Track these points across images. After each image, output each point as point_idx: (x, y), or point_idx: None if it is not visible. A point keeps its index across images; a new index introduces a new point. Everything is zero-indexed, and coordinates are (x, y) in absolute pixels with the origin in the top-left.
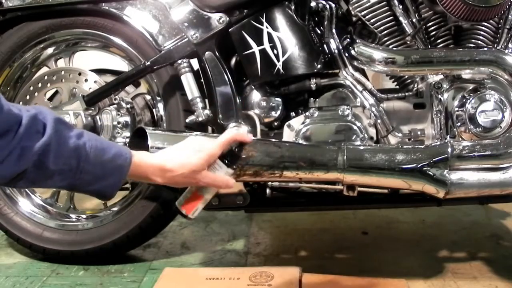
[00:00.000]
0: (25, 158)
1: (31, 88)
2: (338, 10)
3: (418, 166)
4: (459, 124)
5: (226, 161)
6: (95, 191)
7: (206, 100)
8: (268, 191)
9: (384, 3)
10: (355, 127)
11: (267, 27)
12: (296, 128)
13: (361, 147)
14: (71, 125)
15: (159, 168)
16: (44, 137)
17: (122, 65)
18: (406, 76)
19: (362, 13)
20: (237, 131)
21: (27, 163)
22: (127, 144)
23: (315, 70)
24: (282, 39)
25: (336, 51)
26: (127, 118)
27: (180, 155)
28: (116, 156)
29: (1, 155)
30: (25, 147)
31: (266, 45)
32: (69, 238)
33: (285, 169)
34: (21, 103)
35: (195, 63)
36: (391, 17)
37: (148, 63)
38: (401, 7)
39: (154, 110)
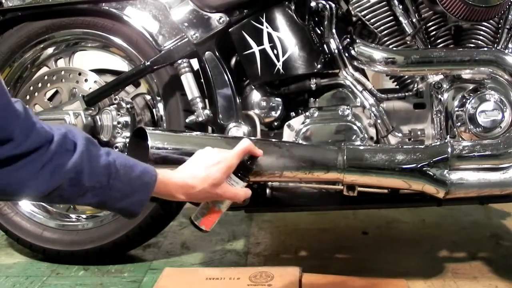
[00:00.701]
0: (58, 175)
1: (31, 88)
2: (338, 10)
3: (418, 166)
4: (459, 124)
5: (239, 174)
6: (123, 208)
7: (206, 100)
8: (268, 191)
9: (384, 3)
10: (355, 127)
11: (267, 27)
12: (296, 128)
13: (361, 147)
14: (98, 144)
15: (182, 186)
16: (76, 155)
17: (122, 65)
18: (406, 76)
19: (362, 13)
20: (250, 143)
21: (61, 179)
22: (127, 144)
23: (315, 70)
24: (282, 39)
25: (336, 51)
26: (127, 118)
27: (200, 170)
28: (143, 173)
29: (34, 169)
30: (58, 163)
31: (266, 45)
32: (69, 238)
33: (285, 169)
34: None
35: (195, 63)
36: (391, 17)
37: (148, 63)
38: (401, 7)
39: (154, 110)
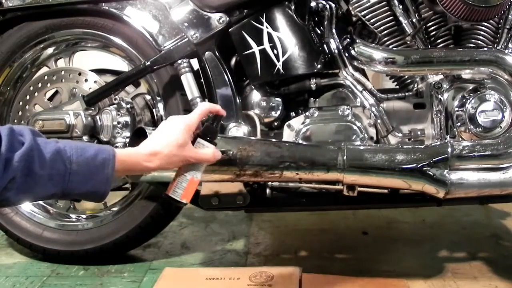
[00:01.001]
0: (10, 167)
1: (31, 88)
2: (338, 10)
3: (418, 166)
4: (459, 124)
5: (208, 138)
6: (88, 192)
7: (206, 100)
8: (268, 191)
9: (384, 3)
10: (355, 127)
11: (267, 27)
12: (296, 128)
13: (361, 147)
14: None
15: (148, 154)
16: (25, 145)
17: (122, 65)
18: (406, 76)
19: (362, 13)
20: (210, 104)
21: (13, 172)
22: (127, 144)
23: (315, 70)
24: (282, 39)
25: (336, 51)
26: (127, 118)
27: (161, 135)
28: (99, 152)
29: None
30: (7, 157)
31: (266, 45)
32: (69, 238)
33: (285, 169)
34: (21, 103)
35: (195, 63)
36: (391, 17)
37: (148, 63)
38: (401, 7)
39: (154, 110)
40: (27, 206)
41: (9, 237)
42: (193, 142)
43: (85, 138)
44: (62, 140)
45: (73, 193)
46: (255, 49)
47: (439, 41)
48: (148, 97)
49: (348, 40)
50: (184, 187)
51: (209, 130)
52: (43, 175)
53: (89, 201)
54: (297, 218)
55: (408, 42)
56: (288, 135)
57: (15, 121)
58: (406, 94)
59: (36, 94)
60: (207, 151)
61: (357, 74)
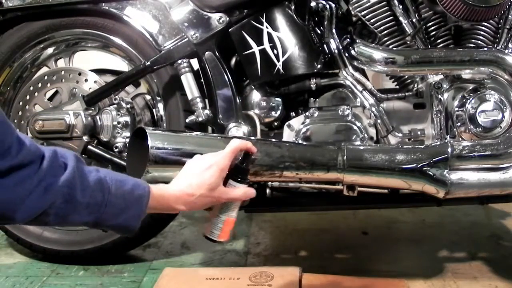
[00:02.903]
0: (52, 191)
1: (31, 88)
2: (338, 10)
3: (418, 166)
4: (459, 124)
5: (239, 179)
6: (119, 225)
7: (206, 100)
8: (268, 191)
9: (384, 3)
10: (355, 127)
11: (267, 27)
12: (296, 128)
13: (361, 147)
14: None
15: (180, 196)
16: (68, 170)
17: (122, 65)
18: (406, 76)
19: (362, 13)
20: (241, 141)
21: (55, 196)
22: (127, 144)
23: (315, 70)
24: (282, 39)
25: (336, 51)
26: (127, 118)
27: (193, 177)
28: (135, 187)
29: (28, 186)
30: (50, 180)
31: (266, 45)
32: (69, 238)
33: (285, 169)
34: (21, 103)
35: (195, 63)
36: (391, 17)
37: (148, 63)
38: (401, 7)
39: (154, 110)
40: None
41: (9, 237)
42: (224, 182)
43: (85, 138)
44: (102, 169)
45: (104, 224)
46: (255, 49)
47: (439, 41)
48: (148, 97)
49: (348, 40)
50: (220, 228)
51: (239, 170)
52: (82, 203)
53: (118, 233)
54: (297, 218)
55: (408, 42)
56: (288, 135)
57: (15, 121)
58: (406, 94)
59: (36, 94)
60: (238, 191)
61: (357, 74)
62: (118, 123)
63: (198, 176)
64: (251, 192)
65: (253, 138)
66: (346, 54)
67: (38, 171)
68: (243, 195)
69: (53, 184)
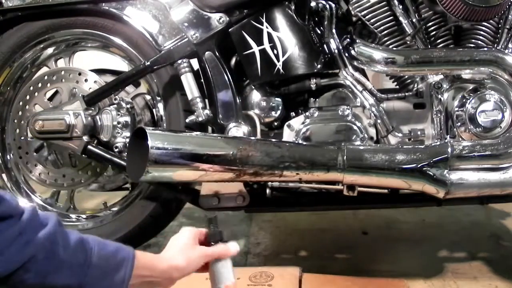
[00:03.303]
0: (32, 244)
1: (31, 88)
2: (338, 10)
3: (418, 166)
4: (459, 124)
5: (220, 241)
6: None
7: (206, 100)
8: (268, 191)
9: (384, 3)
10: (355, 127)
11: (267, 27)
12: (296, 128)
13: (361, 147)
14: None
15: (166, 268)
16: (49, 226)
17: (122, 65)
18: (406, 76)
19: (362, 13)
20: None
21: (36, 249)
22: (127, 144)
23: (315, 70)
24: (282, 39)
25: (336, 51)
26: (127, 118)
27: (168, 249)
28: (119, 249)
29: (8, 237)
30: (31, 235)
31: (266, 45)
32: None
33: (285, 169)
34: (21, 103)
35: (195, 63)
36: (391, 17)
37: (148, 63)
38: (401, 7)
39: (154, 110)
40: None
41: None
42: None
43: (85, 138)
44: (84, 234)
45: None
46: (255, 49)
47: (439, 41)
48: (148, 97)
49: (348, 40)
50: None
51: (212, 234)
52: (64, 261)
53: None
54: (297, 218)
55: (408, 42)
56: (288, 135)
57: (15, 121)
58: (406, 94)
59: (36, 94)
60: (218, 247)
61: (357, 74)
62: (118, 123)
63: (174, 245)
64: (235, 248)
65: (253, 138)
66: (346, 54)
67: (18, 223)
68: (223, 250)
69: (34, 237)
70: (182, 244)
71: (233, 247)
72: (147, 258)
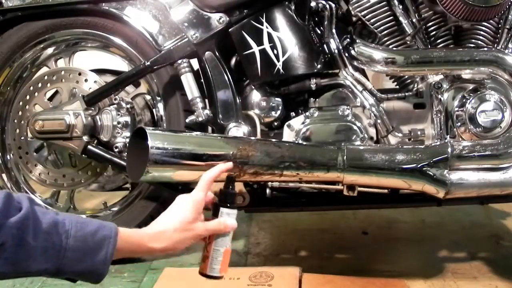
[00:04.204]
0: (0, 233)
1: (31, 88)
2: (338, 10)
3: (418, 166)
4: (459, 124)
5: (228, 205)
6: (84, 271)
7: (206, 100)
8: (268, 191)
9: (384, 3)
10: (355, 127)
11: (267, 27)
12: (296, 128)
13: (361, 147)
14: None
15: (154, 234)
16: (21, 213)
17: (122, 65)
18: (406, 76)
19: (362, 13)
20: (209, 171)
21: (3, 238)
22: (127, 144)
23: (315, 70)
24: (282, 39)
25: (336, 51)
26: (127, 118)
27: (168, 215)
28: (99, 228)
29: None
30: (2, 221)
31: (266, 45)
32: None
33: (285, 169)
34: (21, 103)
35: (195, 63)
36: (391, 17)
37: (148, 63)
38: (401, 7)
39: (154, 110)
40: None
41: None
42: (214, 211)
43: (85, 138)
44: (62, 213)
45: (68, 271)
46: (255, 49)
47: (439, 41)
48: (148, 97)
49: (348, 40)
50: (220, 261)
51: (225, 195)
52: (36, 247)
53: (85, 281)
54: (297, 218)
55: (408, 42)
56: (288, 135)
57: (15, 121)
58: (406, 94)
59: (36, 94)
60: (217, 223)
61: (357, 74)
62: (118, 123)
63: (171, 213)
64: (231, 223)
65: (253, 138)
66: (346, 54)
67: None
68: (221, 226)
69: (3, 225)
70: (180, 220)
71: (232, 225)
72: (131, 237)
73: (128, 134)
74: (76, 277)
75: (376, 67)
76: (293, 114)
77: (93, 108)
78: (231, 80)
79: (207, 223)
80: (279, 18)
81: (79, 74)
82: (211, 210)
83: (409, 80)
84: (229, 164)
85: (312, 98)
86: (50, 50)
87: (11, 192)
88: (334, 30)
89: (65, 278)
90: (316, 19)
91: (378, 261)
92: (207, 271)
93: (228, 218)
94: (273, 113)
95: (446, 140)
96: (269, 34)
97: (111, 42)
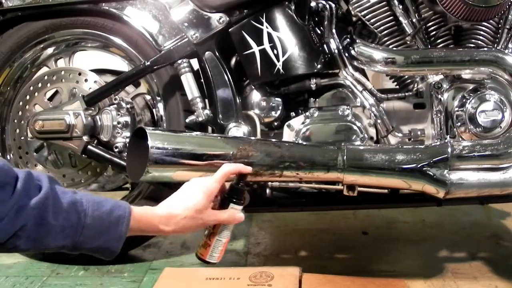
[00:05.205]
0: (23, 214)
1: (31, 88)
2: (338, 10)
3: (418, 166)
4: (459, 124)
5: (234, 200)
6: (99, 247)
7: (206, 100)
8: (268, 191)
9: (384, 3)
10: (355, 127)
11: (267, 27)
12: (296, 128)
13: (361, 147)
14: (61, 184)
15: (165, 216)
16: (41, 192)
17: (122, 65)
18: (406, 76)
19: (362, 13)
20: (230, 165)
21: (26, 219)
22: (127, 144)
23: (315, 70)
24: (282, 39)
25: (336, 51)
26: (127, 118)
27: (181, 198)
28: (114, 208)
29: (3, 208)
30: (24, 202)
31: (266, 45)
32: None
33: (285, 169)
34: (21, 103)
35: (195, 63)
36: (391, 17)
37: (148, 63)
38: (401, 7)
39: (154, 110)
40: None
41: None
42: (222, 205)
43: (85, 138)
44: (79, 192)
45: (83, 248)
46: (255, 49)
47: (439, 41)
48: (148, 97)
49: (348, 40)
50: (220, 250)
51: (234, 191)
52: (55, 225)
53: (99, 257)
54: (297, 218)
55: (408, 42)
56: (288, 135)
57: (15, 121)
58: (406, 94)
59: (36, 94)
60: (226, 214)
61: (357, 74)
62: (118, 123)
63: (184, 197)
64: (240, 216)
65: (253, 138)
66: (346, 54)
67: (13, 193)
68: (231, 218)
69: (26, 206)
70: (191, 206)
71: (240, 218)
72: (143, 217)
73: (128, 134)
74: (91, 253)
75: (376, 67)
76: (293, 114)
77: (93, 108)
78: (231, 80)
79: (218, 213)
80: (279, 18)
81: (79, 74)
82: (218, 201)
83: (409, 80)
84: (249, 168)
85: (312, 98)
86: (50, 50)
87: (31, 171)
88: (334, 30)
89: (78, 252)
90: (316, 19)
91: (378, 261)
92: (207, 257)
93: (236, 211)
94: (273, 113)
95: (446, 140)
96: (269, 34)
97: (111, 42)
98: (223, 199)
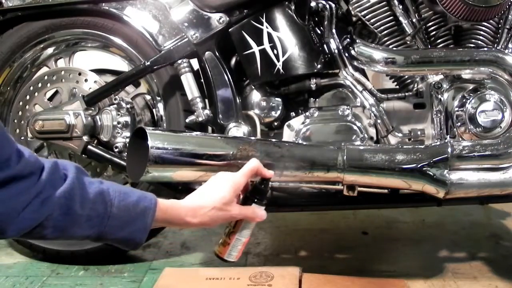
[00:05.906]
0: (49, 203)
1: (31, 88)
2: (338, 10)
3: (418, 166)
4: (459, 124)
5: (256, 200)
6: (124, 238)
7: (206, 100)
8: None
9: (384, 3)
10: (355, 127)
11: (267, 27)
12: (296, 128)
13: (361, 147)
14: (87, 173)
15: (191, 208)
16: (67, 182)
17: (122, 65)
18: (406, 76)
19: (362, 13)
20: (259, 163)
21: (52, 208)
22: (127, 144)
23: (315, 70)
24: (282, 39)
25: (336, 51)
26: (127, 118)
27: (208, 191)
28: (141, 199)
29: (25, 198)
30: (49, 192)
31: (266, 45)
32: None
33: (285, 169)
34: (21, 103)
35: (195, 63)
36: (391, 17)
37: (148, 63)
38: (401, 7)
39: (154, 110)
40: None
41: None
42: (243, 202)
43: (85, 138)
44: (106, 182)
45: (108, 238)
46: (255, 49)
47: (439, 41)
48: (148, 97)
49: (348, 40)
50: (239, 250)
51: (257, 191)
52: (82, 215)
53: (123, 247)
54: (297, 218)
55: (408, 42)
56: (288, 135)
57: (15, 121)
58: (406, 94)
59: (36, 94)
60: (252, 210)
61: (357, 74)
62: (118, 123)
63: (211, 189)
64: (263, 213)
65: (253, 138)
66: (346, 54)
67: (37, 182)
68: (256, 215)
69: (51, 196)
70: (219, 199)
71: (263, 215)
72: (169, 209)
73: (128, 134)
74: (115, 244)
75: (376, 67)
76: (293, 114)
77: (93, 108)
78: (231, 80)
79: (242, 207)
80: (279, 18)
81: (79, 74)
82: (240, 200)
83: (409, 80)
84: (272, 173)
85: (312, 98)
86: (50, 50)
87: (57, 161)
88: (334, 30)
89: (102, 242)
90: (316, 19)
91: (378, 261)
92: (225, 256)
93: (260, 209)
94: (273, 113)
95: (446, 140)
96: (269, 34)
97: (111, 42)
98: (245, 197)
